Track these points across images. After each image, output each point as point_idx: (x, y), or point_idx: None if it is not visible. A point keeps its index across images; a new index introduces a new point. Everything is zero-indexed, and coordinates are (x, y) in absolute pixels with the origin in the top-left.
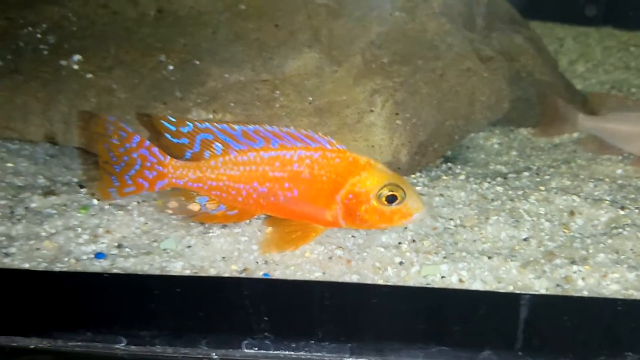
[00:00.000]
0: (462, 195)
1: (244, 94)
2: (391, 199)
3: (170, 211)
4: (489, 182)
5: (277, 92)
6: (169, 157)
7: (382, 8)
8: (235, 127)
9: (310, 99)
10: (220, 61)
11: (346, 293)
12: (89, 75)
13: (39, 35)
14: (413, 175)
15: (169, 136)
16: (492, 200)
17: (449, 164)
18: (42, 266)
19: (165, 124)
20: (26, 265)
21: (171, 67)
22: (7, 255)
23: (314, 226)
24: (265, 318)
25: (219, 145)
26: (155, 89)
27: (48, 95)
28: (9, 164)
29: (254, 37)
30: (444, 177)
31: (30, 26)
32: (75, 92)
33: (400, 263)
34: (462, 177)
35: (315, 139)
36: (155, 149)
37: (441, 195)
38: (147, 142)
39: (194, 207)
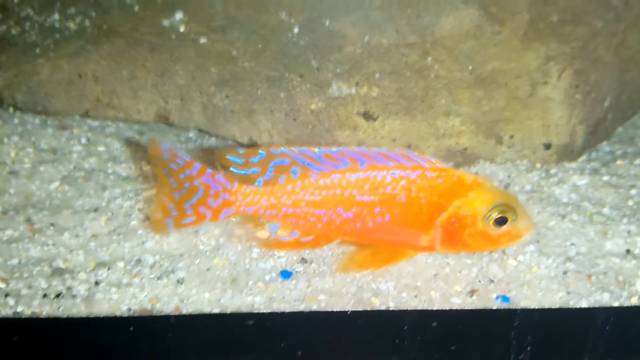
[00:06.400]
0: None
1: (389, 61)
2: (501, 221)
3: (235, 240)
4: None
5: (430, 58)
6: (236, 183)
7: None
8: (316, 150)
9: (471, 67)
10: (355, 20)
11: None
12: (203, 40)
13: None
14: (580, 159)
15: (235, 170)
16: None
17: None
18: (228, 295)
19: (233, 158)
20: (206, 295)
21: (297, 30)
22: (179, 282)
23: (403, 250)
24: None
25: (297, 168)
26: (284, 55)
27: (159, 64)
28: (100, 148)
29: None
30: (619, 162)
31: None
32: (193, 61)
33: None
34: (638, 161)
35: (412, 158)
36: (220, 176)
37: (634, 187)
38: (210, 171)
39: (263, 234)
